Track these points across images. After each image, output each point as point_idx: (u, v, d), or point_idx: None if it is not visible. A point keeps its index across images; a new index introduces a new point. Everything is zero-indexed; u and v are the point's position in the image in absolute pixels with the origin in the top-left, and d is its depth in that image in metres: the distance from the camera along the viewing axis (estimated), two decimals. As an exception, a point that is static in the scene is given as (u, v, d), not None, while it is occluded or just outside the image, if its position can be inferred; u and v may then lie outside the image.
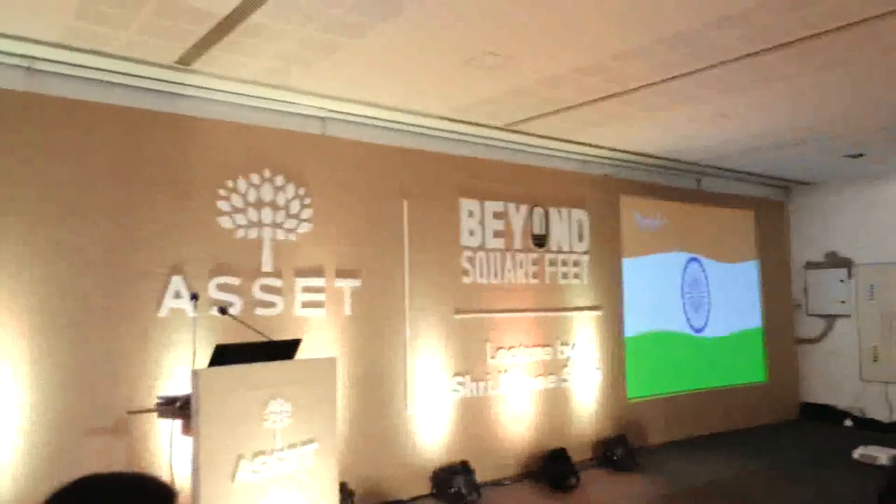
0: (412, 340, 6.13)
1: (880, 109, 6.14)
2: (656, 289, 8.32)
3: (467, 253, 6.61)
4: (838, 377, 9.58)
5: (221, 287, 5.15)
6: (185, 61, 4.74)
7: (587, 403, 7.36)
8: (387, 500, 5.79)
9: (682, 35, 4.36)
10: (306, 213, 5.63)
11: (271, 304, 5.38)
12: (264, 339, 4.40)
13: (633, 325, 7.97)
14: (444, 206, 6.49)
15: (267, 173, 5.46)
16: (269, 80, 5.14)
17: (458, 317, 6.46)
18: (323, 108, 5.77)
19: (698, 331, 8.77)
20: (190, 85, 5.12)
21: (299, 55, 4.62)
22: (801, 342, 10.01)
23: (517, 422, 6.75)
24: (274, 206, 5.47)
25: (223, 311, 4.65)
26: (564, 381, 7.20)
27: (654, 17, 4.09)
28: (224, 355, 3.83)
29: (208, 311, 4.96)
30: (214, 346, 3.96)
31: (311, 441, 3.94)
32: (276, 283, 5.41)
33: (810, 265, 9.95)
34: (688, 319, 8.67)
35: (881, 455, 7.11)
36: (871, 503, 5.68)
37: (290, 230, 5.54)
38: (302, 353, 4.56)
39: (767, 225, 9.79)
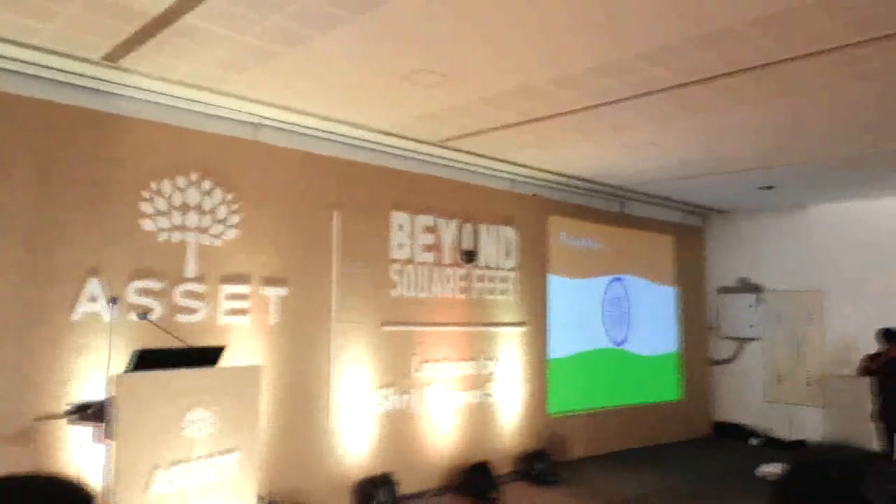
0: (338, 351, 6.09)
1: (789, 147, 6.54)
2: (580, 306, 8.55)
3: (396, 266, 6.63)
4: (747, 397, 10.05)
5: (141, 291, 4.99)
6: (112, 58, 4.60)
7: (510, 418, 7.47)
8: (306, 514, 5.70)
9: (613, 64, 4.54)
10: (234, 219, 5.54)
11: (194, 311, 5.25)
12: (186, 346, 4.28)
13: (557, 342, 8.15)
14: (374, 218, 6.51)
15: (194, 177, 5.35)
16: (200, 82, 5.04)
17: (386, 329, 6.46)
18: (256, 115, 5.70)
19: (618, 343, 9.04)
20: (118, 83, 4.97)
21: (234, 60, 4.57)
22: (715, 363, 10.46)
23: (441, 435, 6.79)
24: (200, 211, 5.36)
25: (143, 316, 4.51)
26: (488, 395, 7.29)
27: (588, 45, 4.25)
28: (144, 361, 3.71)
29: (126, 316, 4.79)
30: (133, 351, 3.84)
31: (231, 450, 3.86)
32: (200, 288, 5.29)
33: (723, 290, 10.43)
34: (608, 334, 8.94)
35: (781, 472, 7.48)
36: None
37: (216, 235, 5.43)
38: (225, 362, 4.48)
39: (685, 249, 10.22)
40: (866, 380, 8.87)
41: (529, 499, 6.59)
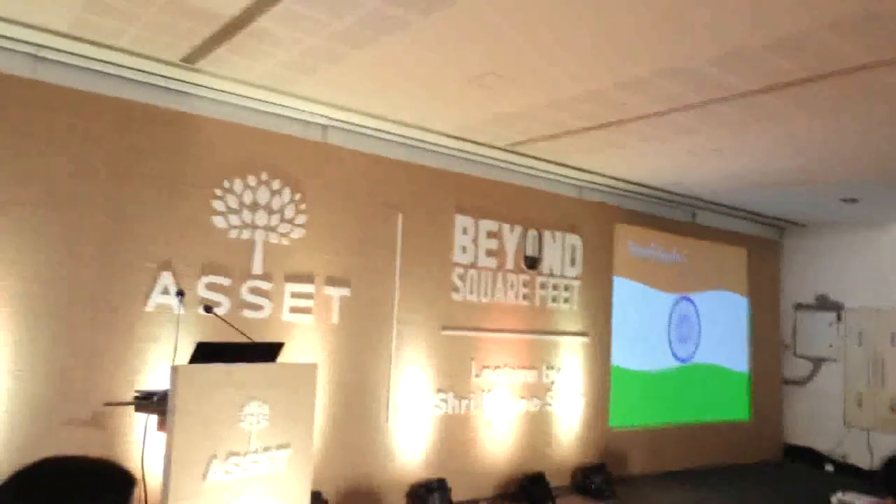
0: (397, 353, 6.12)
1: (873, 157, 6.19)
2: (645, 319, 8.33)
3: (459, 269, 6.62)
4: (822, 420, 9.56)
5: (210, 286, 5.15)
6: (190, 60, 4.78)
7: (569, 429, 7.34)
8: (360, 512, 5.75)
9: (681, 70, 4.41)
10: (300, 219, 5.65)
11: (259, 307, 5.38)
12: (247, 341, 4.39)
13: (620, 354, 7.96)
14: (438, 221, 6.52)
15: (264, 176, 5.49)
16: (272, 84, 5.18)
17: (446, 333, 6.46)
18: (325, 116, 5.80)
19: (685, 359, 8.77)
20: (193, 83, 5.15)
21: (304, 62, 4.67)
22: (788, 383, 10.00)
23: (497, 442, 6.73)
24: (269, 210, 5.49)
25: (209, 309, 4.65)
26: (548, 404, 7.19)
27: (656, 49, 4.14)
28: (205, 353, 3.82)
29: (194, 309, 4.96)
30: (196, 343, 3.96)
31: (286, 446, 3.93)
32: (266, 286, 5.42)
33: (800, 307, 9.97)
34: (673, 348, 8.67)
35: (858, 501, 7.07)
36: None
37: (283, 234, 5.55)
38: (286, 358, 4.57)
39: (759, 263, 9.82)
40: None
41: (585, 512, 6.46)
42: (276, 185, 5.54)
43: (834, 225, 9.62)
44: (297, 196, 5.64)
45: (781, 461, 9.57)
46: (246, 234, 5.37)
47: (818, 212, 8.96)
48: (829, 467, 9.18)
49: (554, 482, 6.73)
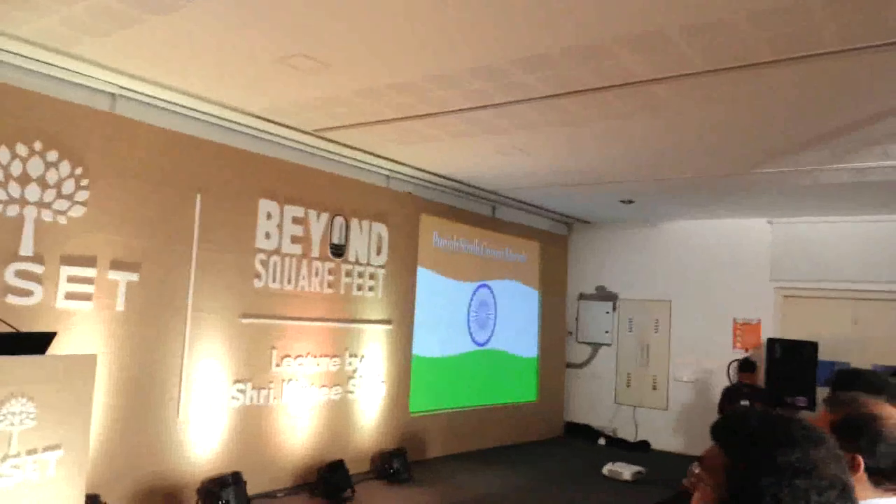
0: (192, 342, 5.77)
1: (650, 163, 6.95)
2: (447, 306, 8.65)
3: (261, 256, 6.39)
4: (597, 399, 10.61)
5: (-35, 268, 4.49)
6: (-56, 4, 4.10)
7: (370, 416, 7.42)
8: (145, 513, 5.36)
9: (489, 68, 4.60)
10: (81, 195, 5.10)
11: (28, 293, 4.77)
12: (11, 331, 3.88)
13: (422, 341, 8.19)
14: (241, 204, 6.23)
15: (38, 146, 4.87)
16: (51, 43, 4.61)
17: (246, 321, 6.21)
18: (114, 84, 5.28)
19: (481, 345, 9.23)
20: (-51, 33, 4.44)
21: (92, 22, 4.20)
22: (570, 366, 10.94)
23: (297, 432, 6.61)
24: (42, 184, 4.89)
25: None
26: (350, 392, 7.20)
27: (465, 47, 4.28)
28: (-43, 346, 3.32)
29: (-56, 294, 4.29)
30: (-55, 334, 3.43)
31: (56, 447, 3.53)
32: (37, 269, 4.82)
33: (583, 296, 10.94)
34: (472, 335, 9.11)
35: (625, 471, 7.94)
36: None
37: (59, 212, 4.98)
38: (59, 349, 4.12)
39: (550, 256, 10.61)
40: (706, 385, 9.63)
41: (382, 497, 6.57)
42: (51, 156, 4.94)
43: (614, 222, 10.66)
44: (78, 170, 5.08)
45: (563, 437, 10.45)
46: (13, 211, 4.74)
47: (601, 210, 9.88)
48: (602, 441, 10.20)
49: (354, 469, 6.76)
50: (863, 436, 1.88)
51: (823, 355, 8.61)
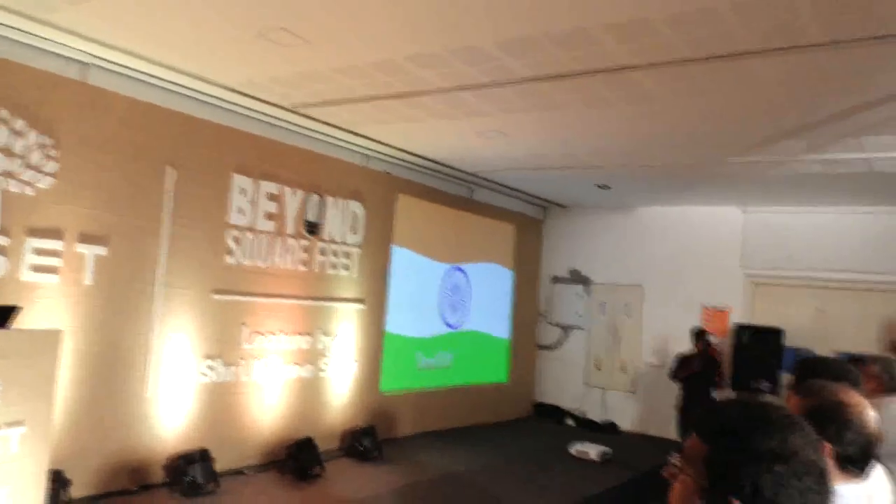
0: (162, 318, 5.71)
1: (625, 150, 6.97)
2: (420, 287, 8.65)
3: (234, 232, 6.31)
4: (567, 381, 10.73)
5: (-74, 238, 4.36)
6: None
7: (340, 394, 7.42)
8: (112, 490, 5.32)
9: (471, 49, 4.55)
10: (50, 167, 4.98)
11: (-8, 265, 4.67)
12: (-25, 305, 3.80)
13: (394, 321, 8.19)
14: (215, 179, 6.14)
15: (4, 114, 4.73)
16: (23, 8, 4.45)
17: (217, 297, 6.15)
18: (86, 53, 5.13)
19: (454, 327, 9.27)
20: (-90, -7, 4.26)
21: (60, -13, 4.07)
22: (541, 348, 11.04)
23: (267, 410, 6.60)
24: (8, 153, 4.75)
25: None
26: (321, 370, 7.19)
27: (448, 26, 4.22)
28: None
29: None
30: None
31: (19, 423, 3.47)
32: (1, 240, 4.71)
33: (556, 279, 11.01)
34: (444, 316, 9.13)
35: (591, 451, 8.07)
36: (576, 492, 6.37)
37: (26, 182, 4.85)
38: (24, 324, 4.05)
39: (525, 239, 10.65)
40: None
41: (351, 474, 6.60)
42: (19, 125, 4.80)
43: (589, 207, 10.71)
44: (47, 140, 4.95)
45: (532, 418, 10.57)
46: (-23, 180, 4.61)
47: (577, 195, 9.92)
48: (571, 422, 10.33)
49: (323, 446, 6.78)
50: (832, 423, 1.92)
51: (789, 342, 8.81)
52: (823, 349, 8.68)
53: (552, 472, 7.30)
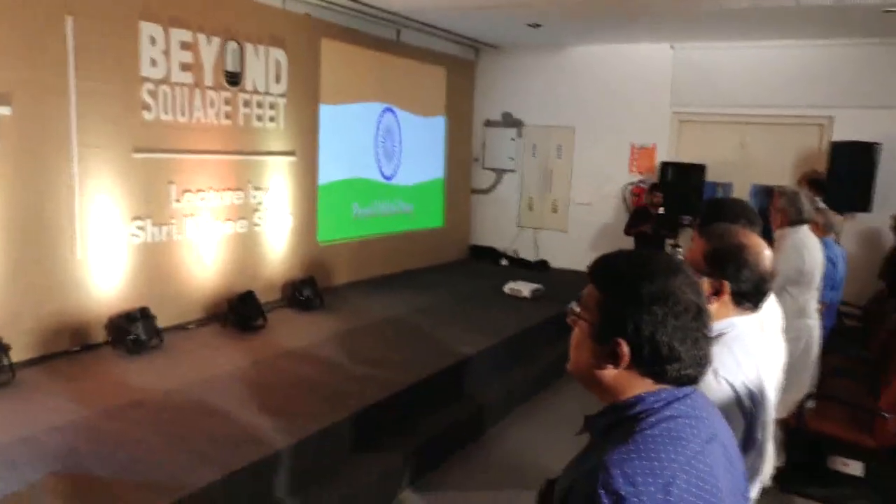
0: (82, 180, 5.50)
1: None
2: (351, 136, 8.51)
3: (149, 85, 5.96)
4: (501, 223, 11.04)
5: None
6: None
7: (278, 247, 7.48)
8: (55, 351, 5.39)
9: None
10: (-72, 19, 4.51)
11: None
12: None
13: (327, 171, 8.12)
14: (119, 28, 5.68)
15: None
16: None
17: (139, 156, 5.92)
18: None
19: (388, 178, 9.29)
20: None
21: None
22: (475, 192, 11.21)
23: (204, 267, 6.62)
24: None
25: None
26: (256, 225, 7.17)
27: None
28: None
29: None
30: None
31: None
32: None
33: (489, 123, 10.97)
34: (380, 167, 9.10)
35: (524, 289, 8.50)
36: (510, 328, 6.77)
37: None
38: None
39: (457, 82, 10.42)
40: (603, 207, 10.16)
41: (293, 323, 6.83)
42: None
43: (521, 48, 10.45)
44: (-80, -12, 4.44)
45: (468, 260, 10.96)
46: None
47: (508, 35, 9.64)
48: (505, 262, 10.77)
49: (265, 299, 6.93)
50: (731, 263, 2.13)
51: (711, 177, 9.21)
52: (742, 181, 9.16)
53: (487, 310, 7.71)
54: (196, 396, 4.70)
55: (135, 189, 5.91)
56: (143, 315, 5.69)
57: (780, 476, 2.51)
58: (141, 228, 6.00)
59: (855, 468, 4.73)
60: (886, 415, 4.36)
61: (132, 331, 5.54)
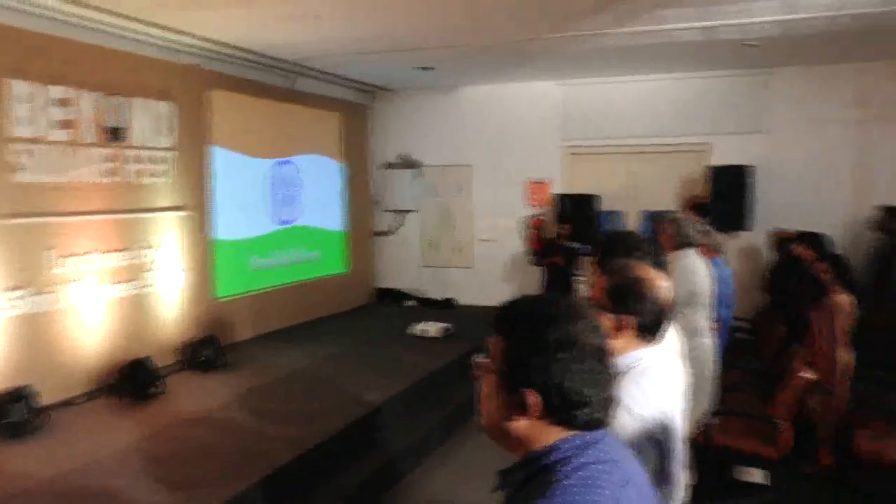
0: (-54, 252, 5.04)
1: (443, 29, 6.88)
2: (246, 187, 8.29)
3: (20, 145, 5.58)
4: (405, 264, 11.02)
5: None
6: None
7: (172, 307, 7.11)
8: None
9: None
10: None
11: None
12: None
13: (222, 225, 7.85)
14: (-16, 87, 5.32)
15: None
16: None
17: (12, 221, 5.51)
18: None
19: (286, 223, 9.06)
20: None
21: None
22: (377, 234, 11.16)
23: (91, 334, 6.18)
24: None
25: None
26: (147, 285, 6.80)
27: None
28: None
29: None
30: None
31: None
32: None
33: (388, 165, 10.99)
34: (278, 216, 8.89)
35: (432, 328, 8.46)
36: (420, 369, 6.67)
37: None
38: None
39: (352, 127, 10.41)
40: (505, 242, 10.33)
41: (194, 386, 6.47)
42: None
43: (415, 90, 10.60)
44: None
45: (374, 304, 10.83)
46: None
47: (401, 78, 9.76)
48: (412, 303, 10.71)
49: (161, 363, 6.55)
50: (631, 298, 2.16)
51: (605, 206, 9.58)
52: (634, 209, 9.58)
53: (396, 353, 7.60)
54: (85, 480, 4.32)
55: (9, 257, 5.48)
56: (25, 394, 5.23)
57: (693, 494, 2.56)
58: (18, 299, 5.55)
59: (759, 476, 4.93)
60: (779, 423, 4.56)
61: (13, 414, 5.07)
